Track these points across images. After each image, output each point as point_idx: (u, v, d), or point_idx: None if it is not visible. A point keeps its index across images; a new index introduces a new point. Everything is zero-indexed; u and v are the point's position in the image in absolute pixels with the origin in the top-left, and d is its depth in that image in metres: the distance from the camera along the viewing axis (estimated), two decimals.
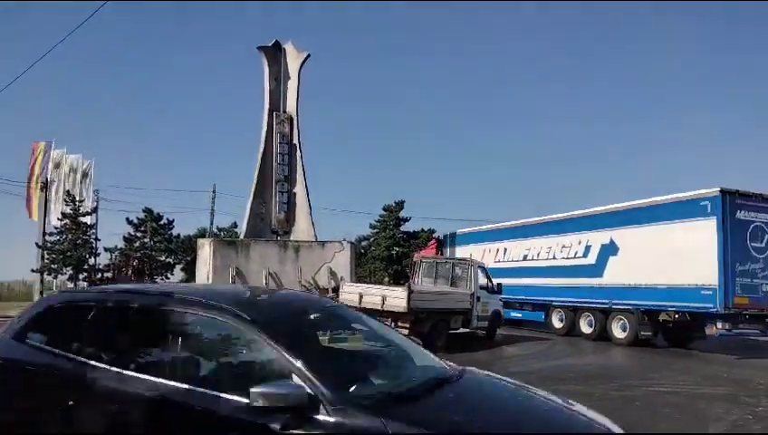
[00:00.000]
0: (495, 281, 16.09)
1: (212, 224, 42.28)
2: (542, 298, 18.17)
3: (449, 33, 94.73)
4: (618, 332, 15.31)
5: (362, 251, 39.29)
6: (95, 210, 40.00)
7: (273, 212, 18.28)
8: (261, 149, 18.37)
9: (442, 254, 22.04)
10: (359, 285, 14.97)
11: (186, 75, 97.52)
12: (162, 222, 42.40)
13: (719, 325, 13.53)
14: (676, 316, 15.04)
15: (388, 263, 38.61)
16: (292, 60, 19.25)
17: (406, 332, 12.26)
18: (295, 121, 18.87)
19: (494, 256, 19.94)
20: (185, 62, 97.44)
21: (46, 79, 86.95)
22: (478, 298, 14.69)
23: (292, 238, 18.00)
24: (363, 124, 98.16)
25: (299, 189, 18.58)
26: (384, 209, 40.69)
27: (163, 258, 43.09)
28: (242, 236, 18.11)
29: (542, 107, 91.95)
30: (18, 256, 72.36)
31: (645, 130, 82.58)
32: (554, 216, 18.61)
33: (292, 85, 19.15)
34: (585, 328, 16.52)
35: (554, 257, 17.91)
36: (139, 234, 41.00)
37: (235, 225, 41.74)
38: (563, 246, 17.58)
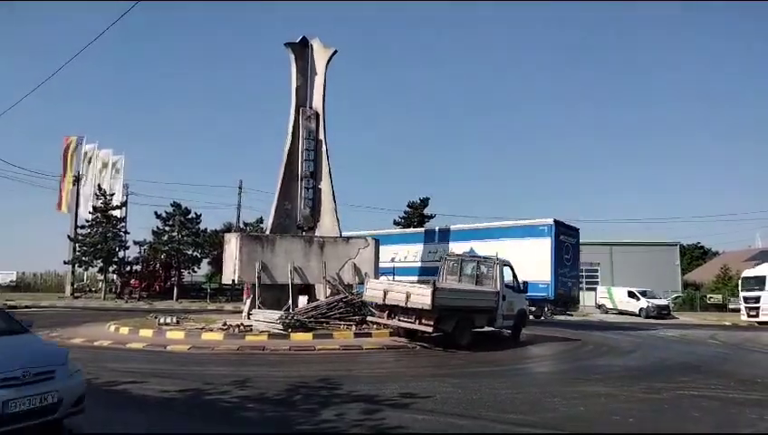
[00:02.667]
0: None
1: (238, 219, 42.79)
2: None
3: (483, 32, 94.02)
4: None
5: None
6: (125, 204, 40.84)
7: (298, 208, 18.35)
8: (287, 146, 18.44)
9: None
10: (383, 281, 14.96)
11: (215, 72, 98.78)
12: (190, 216, 43.02)
13: (549, 307, 22.84)
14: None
15: None
16: (319, 56, 19.27)
17: (429, 329, 12.29)
18: (321, 117, 18.90)
19: (402, 257, 24.80)
20: (215, 60, 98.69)
21: (78, 75, 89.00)
22: (503, 297, 14.54)
23: (317, 234, 18.06)
24: (389, 122, 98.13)
25: (324, 185, 18.62)
26: (409, 206, 40.66)
27: (190, 252, 43.71)
28: (268, 232, 18.21)
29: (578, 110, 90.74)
30: (50, 248, 74.23)
31: None
32: (435, 227, 25.31)
33: (318, 81, 19.17)
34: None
35: (421, 260, 24.12)
36: (167, 228, 41.70)
37: (260, 220, 42.15)
38: (429, 252, 23.78)
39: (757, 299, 27.92)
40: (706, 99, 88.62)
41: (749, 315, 28.40)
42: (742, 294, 29.65)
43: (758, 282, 28.17)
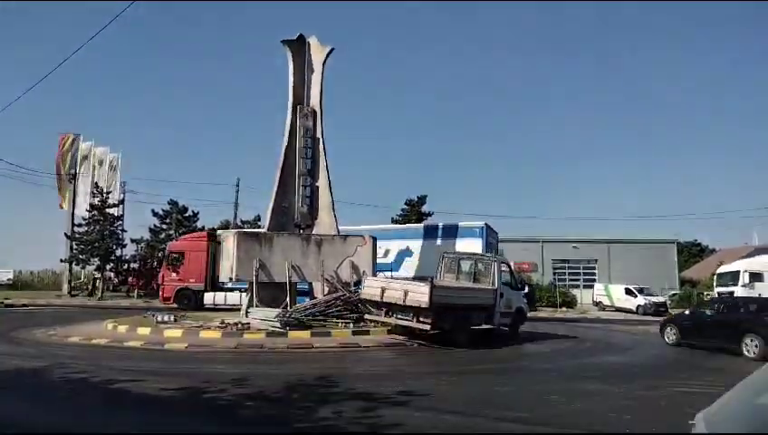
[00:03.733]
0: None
1: (236, 217, 42.74)
2: None
3: (478, 27, 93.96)
4: None
5: None
6: (122, 202, 40.75)
7: (296, 206, 18.32)
8: (284, 143, 18.40)
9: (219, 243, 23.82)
10: (381, 279, 14.95)
11: (211, 70, 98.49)
12: (187, 214, 42.99)
13: None
14: None
15: None
16: (316, 53, 19.22)
17: (427, 327, 12.29)
18: (319, 115, 18.86)
19: None
20: (211, 57, 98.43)
21: (73, 73, 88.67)
22: (501, 294, 14.56)
23: (314, 232, 18.04)
24: (385, 118, 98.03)
25: (322, 183, 18.59)
26: (406, 204, 40.66)
27: None
28: (265, 230, 18.18)
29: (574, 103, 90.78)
30: (46, 246, 73.96)
31: None
32: (356, 227, 24.34)
33: (315, 79, 19.13)
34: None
35: None
36: (164, 226, 41.67)
37: (258, 218, 42.14)
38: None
39: (731, 295, 28.10)
40: (706, 92, 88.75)
41: None
42: (716, 290, 29.74)
43: (732, 277, 28.23)
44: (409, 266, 23.04)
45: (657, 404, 7.14)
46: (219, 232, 25.47)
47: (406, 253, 23.76)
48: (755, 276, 27.44)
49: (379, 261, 21.89)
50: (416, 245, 23.76)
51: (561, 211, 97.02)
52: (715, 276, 30.39)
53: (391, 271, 22.19)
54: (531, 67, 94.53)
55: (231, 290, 24.10)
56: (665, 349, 14.14)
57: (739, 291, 27.47)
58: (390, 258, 23.63)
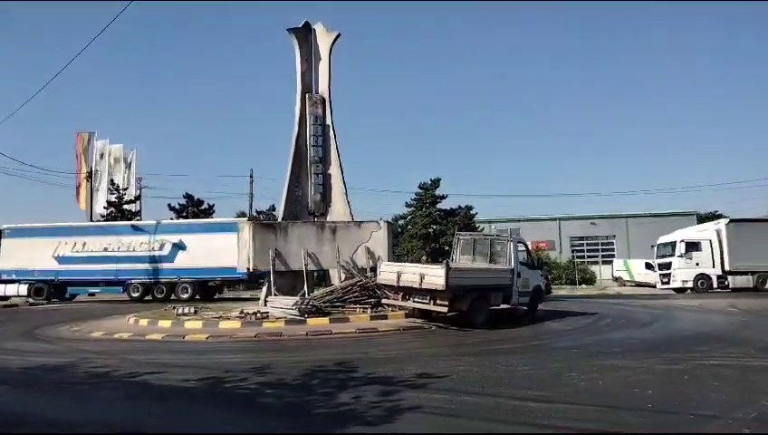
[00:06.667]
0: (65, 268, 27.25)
1: (251, 207, 43.03)
2: (122, 277, 27.08)
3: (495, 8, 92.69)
4: (182, 295, 26.43)
5: (399, 230, 39.28)
6: (138, 198, 41.20)
7: (309, 194, 18.37)
8: (295, 132, 18.40)
9: None
10: (396, 263, 14.95)
11: (223, 62, 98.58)
12: (203, 207, 43.30)
13: (242, 286, 32.23)
14: (219, 281, 27.89)
15: (425, 241, 38.57)
16: (323, 40, 19.11)
17: (445, 309, 12.29)
18: (328, 102, 18.81)
19: (71, 248, 27.64)
20: (222, 50, 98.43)
21: (84, 70, 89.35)
22: (518, 274, 14.48)
23: (328, 219, 18.07)
24: (398, 102, 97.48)
25: (334, 170, 18.58)
26: (420, 187, 40.50)
27: None
28: (279, 219, 18.27)
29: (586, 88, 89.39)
30: None
31: None
32: (135, 222, 29.86)
33: (323, 66, 19.05)
34: (158, 295, 26.69)
35: (134, 250, 27.36)
36: (180, 219, 41.97)
37: (273, 208, 42.39)
38: (142, 243, 27.36)
39: (669, 265, 27.47)
40: (724, 60, 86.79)
41: (662, 282, 27.95)
42: (656, 261, 29.19)
43: (671, 248, 27.66)
44: (184, 256, 26.84)
45: (681, 378, 7.06)
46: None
47: (179, 246, 27.12)
48: (692, 246, 26.89)
49: (156, 253, 27.09)
50: (188, 239, 27.15)
51: (576, 187, 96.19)
52: (656, 247, 29.85)
53: (169, 263, 26.78)
54: (545, 40, 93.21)
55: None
56: (685, 322, 13.99)
57: (676, 262, 26.97)
58: (166, 251, 27.14)
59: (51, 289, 27.66)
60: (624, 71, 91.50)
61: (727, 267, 26.27)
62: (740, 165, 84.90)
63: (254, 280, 28.17)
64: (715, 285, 26.43)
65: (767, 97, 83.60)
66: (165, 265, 27.00)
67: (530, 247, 17.82)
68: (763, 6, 79.30)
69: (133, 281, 27.06)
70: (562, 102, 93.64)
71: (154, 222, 28.83)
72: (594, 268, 40.74)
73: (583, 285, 36.22)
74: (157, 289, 26.96)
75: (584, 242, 46.46)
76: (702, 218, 41.53)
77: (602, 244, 46.03)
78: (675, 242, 27.56)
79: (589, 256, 44.60)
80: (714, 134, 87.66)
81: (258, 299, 17.93)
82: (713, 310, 17.33)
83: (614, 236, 45.58)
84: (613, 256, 43.57)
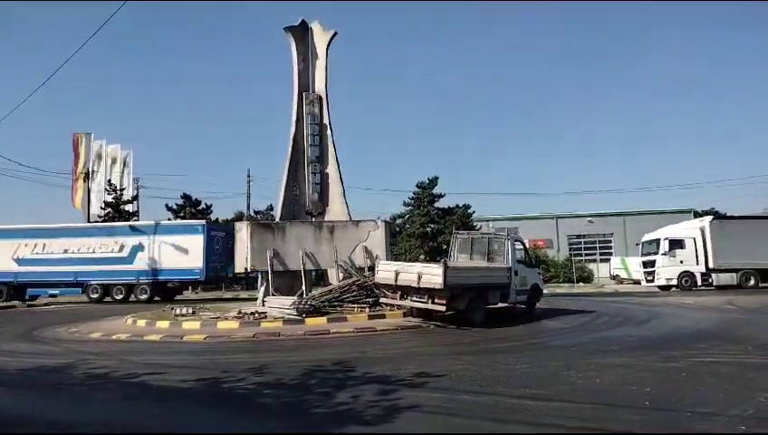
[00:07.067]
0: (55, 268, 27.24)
1: (248, 207, 43.02)
2: (81, 279, 27.24)
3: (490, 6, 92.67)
4: (141, 296, 26.95)
5: (397, 229, 39.27)
6: (136, 198, 41.14)
7: (306, 193, 18.34)
8: (292, 131, 18.38)
9: None
10: (394, 262, 14.95)
11: (220, 62, 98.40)
12: (200, 207, 43.27)
13: (199, 287, 33.20)
14: (177, 283, 28.30)
15: (423, 240, 38.55)
16: (320, 39, 19.09)
17: (443, 308, 12.29)
18: (325, 101, 18.78)
19: (31, 250, 27.77)
20: (219, 50, 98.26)
21: (80, 71, 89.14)
22: (516, 272, 14.50)
23: (326, 219, 18.06)
24: (396, 102, 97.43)
25: (331, 170, 18.56)
26: (418, 186, 40.47)
27: None
28: (277, 219, 18.24)
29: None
30: None
31: None
32: (95, 224, 30.67)
33: (320, 65, 19.02)
34: (117, 296, 27.17)
35: (94, 252, 27.48)
36: (178, 220, 41.90)
37: (271, 207, 42.35)
38: (102, 244, 27.57)
39: (653, 263, 27.49)
40: (720, 56, 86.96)
41: (647, 280, 28.05)
42: (641, 259, 29.24)
43: (656, 245, 27.69)
44: (142, 258, 27.24)
45: (678, 375, 7.08)
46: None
47: (138, 248, 27.48)
48: (676, 243, 26.91)
49: (115, 255, 27.46)
50: (147, 240, 27.53)
51: (572, 186, 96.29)
52: (640, 245, 29.90)
53: (128, 264, 27.14)
54: (542, 39, 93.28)
55: None
56: (683, 320, 14.02)
57: (660, 260, 27.00)
58: (125, 253, 27.51)
59: (10, 291, 27.83)
60: (624, 70, 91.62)
61: (711, 265, 26.22)
62: (740, 162, 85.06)
63: (209, 281, 29.85)
64: (699, 283, 26.39)
65: (767, 94, 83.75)
66: (124, 267, 27.15)
67: (527, 246, 17.85)
68: (764, 6, 79.46)
69: (92, 283, 27.26)
70: (561, 102, 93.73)
71: (114, 224, 29.39)
72: (592, 266, 40.78)
73: (581, 283, 36.25)
74: (115, 290, 27.19)
75: (582, 240, 46.50)
76: (699, 216, 41.57)
77: (600, 242, 46.08)
78: (659, 240, 27.58)
79: (586, 254, 44.64)
80: (713, 132, 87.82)
81: (256, 299, 17.91)
82: (710, 307, 17.36)
83: (612, 234, 45.63)
84: (611, 253, 43.61)
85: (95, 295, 27.20)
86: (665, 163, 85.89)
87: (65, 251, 27.64)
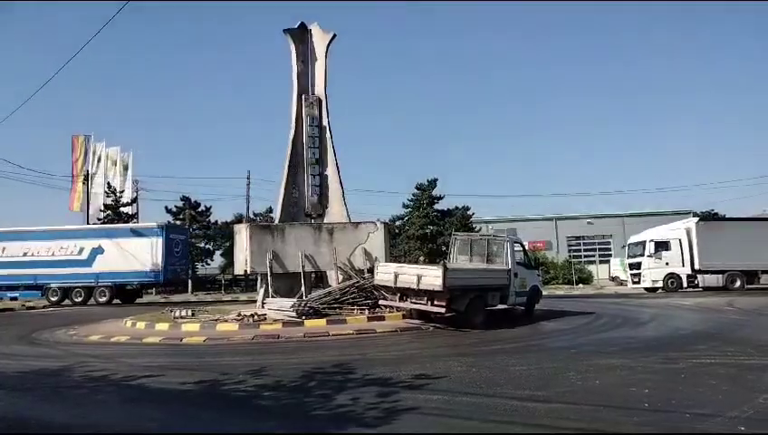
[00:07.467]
0: None
1: (248, 210, 42.95)
2: (41, 281, 27.48)
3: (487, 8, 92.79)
4: (100, 298, 27.03)
5: (397, 231, 39.24)
6: (135, 200, 41.10)
7: (306, 195, 18.34)
8: (291, 133, 18.38)
9: None
10: (394, 264, 14.94)
11: (218, 63, 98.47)
12: (200, 209, 43.26)
13: (160, 289, 33.79)
14: (135, 285, 28.37)
15: (422, 241, 38.51)
16: (319, 41, 19.10)
17: (442, 310, 12.29)
18: (324, 103, 18.78)
19: None
20: (218, 51, 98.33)
21: (80, 73, 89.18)
22: (515, 274, 14.51)
23: (325, 221, 18.05)
24: (393, 102, 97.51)
25: (330, 172, 18.55)
26: (417, 188, 40.44)
27: (202, 245, 44.00)
28: (276, 221, 18.23)
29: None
30: None
31: None
32: (54, 227, 28.68)
33: (319, 67, 19.02)
34: (76, 298, 27.15)
35: (53, 255, 27.55)
36: (178, 222, 41.92)
37: (270, 210, 42.32)
38: (62, 247, 27.52)
39: (639, 265, 27.51)
40: (720, 59, 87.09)
41: (633, 282, 28.06)
42: (627, 260, 29.23)
43: (641, 247, 27.70)
44: (102, 261, 27.23)
45: (677, 376, 7.08)
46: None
47: (98, 250, 27.47)
48: (661, 245, 26.89)
49: (74, 258, 27.44)
50: (106, 243, 27.54)
51: (571, 186, 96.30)
52: (627, 247, 29.88)
53: (87, 267, 27.14)
54: (541, 41, 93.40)
55: None
56: (682, 321, 14.03)
57: (646, 262, 27.00)
58: (85, 256, 27.46)
59: None
60: (623, 69, 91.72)
61: (697, 266, 26.13)
62: (741, 163, 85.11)
63: (168, 284, 30.50)
64: (684, 285, 26.34)
65: (766, 94, 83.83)
66: (83, 270, 27.22)
67: (527, 247, 17.85)
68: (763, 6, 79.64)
69: (52, 285, 27.43)
70: (561, 101, 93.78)
71: (74, 227, 29.28)
72: (591, 268, 40.76)
73: (580, 285, 36.24)
74: (75, 293, 27.33)
75: (581, 242, 46.53)
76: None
77: (599, 243, 46.11)
78: (645, 241, 27.57)
79: (586, 256, 44.65)
80: (713, 131, 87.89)
81: (255, 301, 17.90)
82: (710, 308, 17.37)
83: (611, 235, 45.64)
84: (610, 255, 43.62)
85: (54, 298, 27.40)
86: (664, 164, 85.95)
87: (25, 254, 27.82)
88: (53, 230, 28.71)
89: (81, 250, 27.52)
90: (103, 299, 27.05)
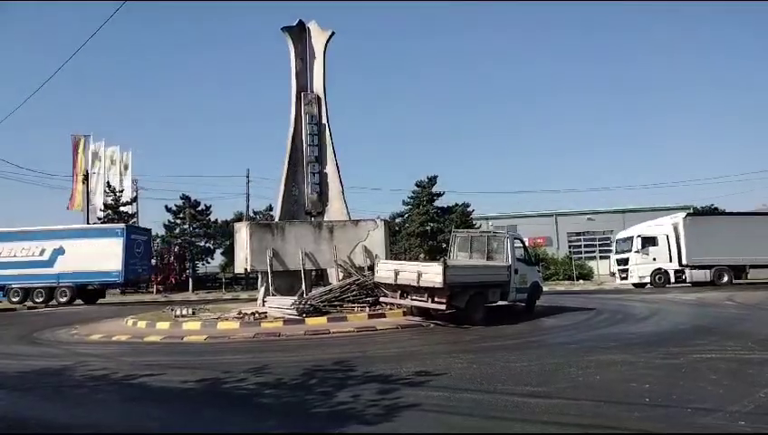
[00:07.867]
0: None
1: (248, 208, 42.94)
2: (2, 282, 27.72)
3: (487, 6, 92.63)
4: (61, 298, 27.37)
5: (397, 228, 39.27)
6: (135, 200, 41.14)
7: (305, 193, 18.33)
8: (290, 131, 18.36)
9: None
10: (394, 262, 14.95)
11: (217, 62, 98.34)
12: (200, 208, 43.26)
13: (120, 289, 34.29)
14: (97, 286, 28.66)
15: (422, 239, 38.56)
16: (317, 39, 19.07)
17: (443, 306, 12.30)
18: (323, 101, 18.77)
19: None
20: (216, 49, 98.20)
21: (79, 73, 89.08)
22: (516, 270, 14.50)
23: (325, 218, 18.05)
24: (392, 100, 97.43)
25: (330, 169, 18.55)
26: (417, 185, 40.48)
27: (203, 243, 44.01)
28: (276, 219, 18.23)
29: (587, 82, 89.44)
30: None
31: None
32: (17, 229, 29.15)
33: (318, 65, 19.01)
34: (37, 299, 27.43)
35: (15, 256, 27.91)
36: (178, 221, 41.98)
37: (270, 208, 42.29)
38: (23, 248, 27.92)
39: (627, 261, 27.48)
40: (719, 51, 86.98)
41: (621, 278, 28.03)
42: (615, 256, 29.19)
43: (629, 243, 27.66)
44: (63, 261, 27.51)
45: (678, 371, 7.08)
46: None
47: (59, 251, 27.76)
48: (648, 241, 26.81)
49: (35, 259, 27.82)
50: (68, 244, 27.78)
51: (573, 182, 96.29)
52: (615, 243, 29.82)
53: (49, 268, 27.38)
54: (541, 39, 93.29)
55: None
56: (683, 316, 14.03)
57: (633, 257, 26.96)
58: (46, 256, 27.81)
59: None
60: (622, 68, 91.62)
61: (684, 262, 26.11)
62: (740, 158, 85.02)
63: (129, 284, 31.42)
64: (672, 280, 26.32)
65: (766, 92, 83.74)
66: (44, 271, 27.48)
67: (527, 244, 17.84)
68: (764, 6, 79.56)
69: (13, 286, 27.73)
70: (561, 101, 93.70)
71: (36, 229, 29.28)
72: (592, 264, 40.77)
73: (581, 281, 36.27)
74: (36, 293, 27.55)
75: (581, 238, 46.52)
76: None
77: (600, 239, 46.10)
78: (632, 237, 27.53)
79: (586, 252, 44.65)
80: (713, 128, 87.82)
81: (256, 299, 17.91)
82: (710, 303, 17.38)
83: (611, 231, 45.61)
84: (611, 251, 43.63)
85: (16, 299, 27.63)
86: (664, 160, 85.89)
87: None
88: (16, 232, 29.09)
89: (43, 251, 27.87)
90: (64, 299, 27.35)
